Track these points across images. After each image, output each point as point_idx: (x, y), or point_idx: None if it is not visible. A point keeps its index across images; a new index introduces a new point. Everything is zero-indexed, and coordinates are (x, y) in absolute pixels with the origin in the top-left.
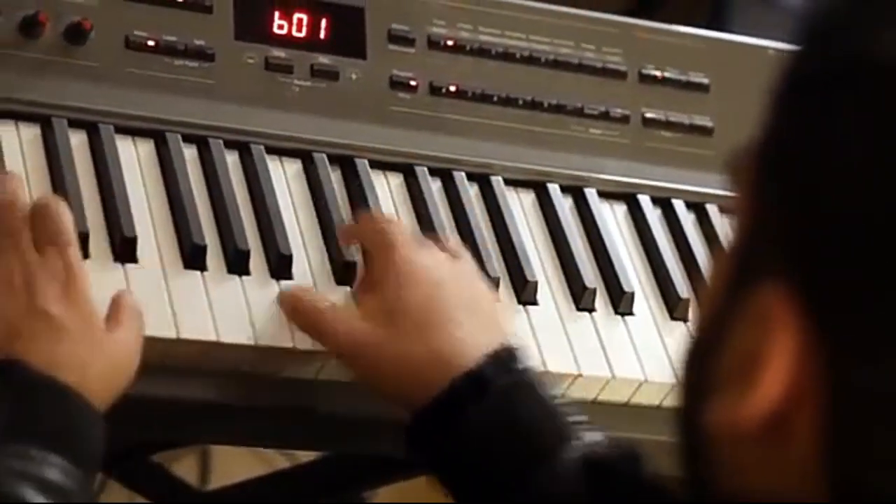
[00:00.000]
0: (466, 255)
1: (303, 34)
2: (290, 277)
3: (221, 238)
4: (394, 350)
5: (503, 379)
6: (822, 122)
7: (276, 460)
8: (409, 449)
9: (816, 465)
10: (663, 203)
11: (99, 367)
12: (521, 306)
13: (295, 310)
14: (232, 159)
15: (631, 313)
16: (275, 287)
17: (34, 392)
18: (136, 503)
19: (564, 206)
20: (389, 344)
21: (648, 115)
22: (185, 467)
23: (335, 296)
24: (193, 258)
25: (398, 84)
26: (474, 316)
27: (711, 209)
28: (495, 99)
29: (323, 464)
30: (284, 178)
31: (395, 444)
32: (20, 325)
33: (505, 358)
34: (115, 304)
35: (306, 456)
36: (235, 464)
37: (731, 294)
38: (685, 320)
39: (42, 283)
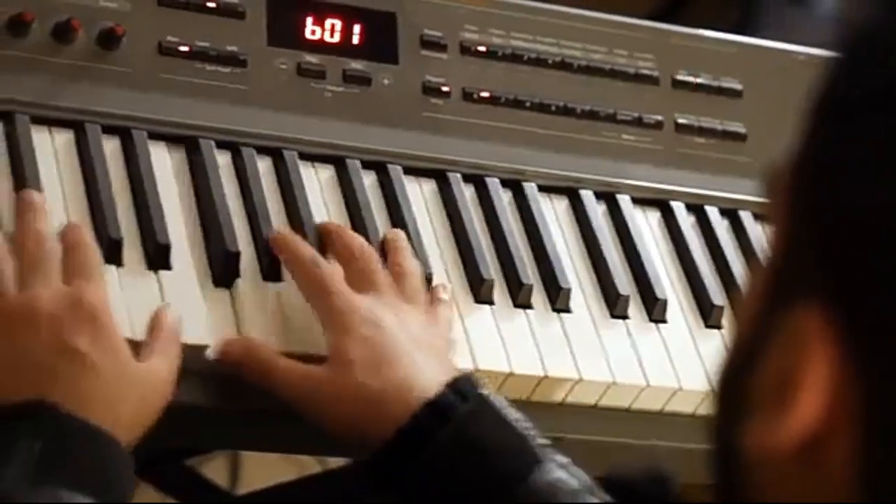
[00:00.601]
0: (421, 306)
1: (335, 40)
2: None
3: (255, 245)
4: (349, 388)
5: (466, 405)
6: (861, 145)
7: (306, 464)
8: (373, 484)
9: (852, 489)
10: (697, 209)
11: (129, 402)
12: (554, 313)
13: (242, 361)
14: (264, 165)
15: (664, 321)
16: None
17: (64, 434)
18: None
19: (598, 212)
20: (344, 382)
21: (681, 120)
22: (214, 470)
23: None
24: (227, 267)
25: (431, 90)
26: (423, 349)
27: (745, 216)
28: (528, 105)
29: (353, 470)
30: (317, 184)
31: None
32: (48, 364)
33: (464, 385)
34: (153, 329)
35: (336, 461)
36: (265, 467)
37: (766, 313)
38: (719, 328)
39: (69, 316)
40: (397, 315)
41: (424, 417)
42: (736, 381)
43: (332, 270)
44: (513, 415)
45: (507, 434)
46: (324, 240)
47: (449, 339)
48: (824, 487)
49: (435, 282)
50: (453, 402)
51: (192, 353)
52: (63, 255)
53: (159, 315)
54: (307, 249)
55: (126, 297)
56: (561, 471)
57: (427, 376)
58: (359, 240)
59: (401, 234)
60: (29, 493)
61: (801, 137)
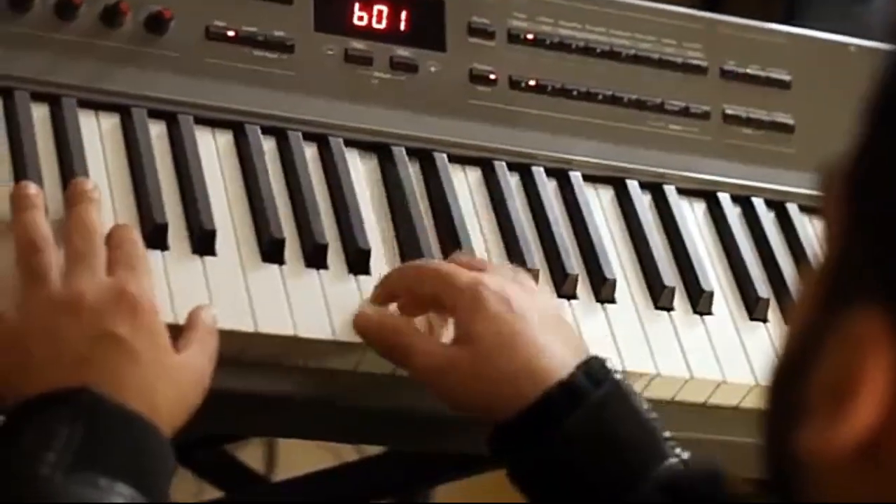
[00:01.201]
0: (523, 272)
1: (383, 26)
2: (368, 272)
3: (300, 231)
4: (479, 367)
5: (598, 390)
6: None
7: (342, 451)
8: (493, 456)
9: None
10: (743, 201)
11: (167, 391)
12: (598, 304)
13: (375, 332)
14: (310, 151)
15: (710, 313)
16: (353, 282)
17: (103, 421)
18: (205, 500)
19: (643, 202)
20: (474, 362)
21: (729, 111)
22: (251, 455)
23: None
24: (271, 251)
25: (478, 77)
26: (553, 330)
27: (792, 208)
28: (575, 94)
29: (390, 457)
30: (363, 172)
31: (463, 441)
32: (88, 350)
33: (597, 369)
34: (189, 322)
35: (373, 448)
36: (301, 453)
37: (822, 315)
38: (764, 321)
39: (111, 306)
40: (522, 287)
41: (556, 398)
42: (790, 384)
43: (434, 262)
44: (642, 404)
45: (637, 425)
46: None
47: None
48: (882, 492)
49: None
50: (586, 385)
51: (234, 339)
52: (109, 249)
53: (197, 310)
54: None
55: (171, 282)
56: (683, 466)
57: (559, 356)
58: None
59: None
60: (66, 478)
61: (856, 136)
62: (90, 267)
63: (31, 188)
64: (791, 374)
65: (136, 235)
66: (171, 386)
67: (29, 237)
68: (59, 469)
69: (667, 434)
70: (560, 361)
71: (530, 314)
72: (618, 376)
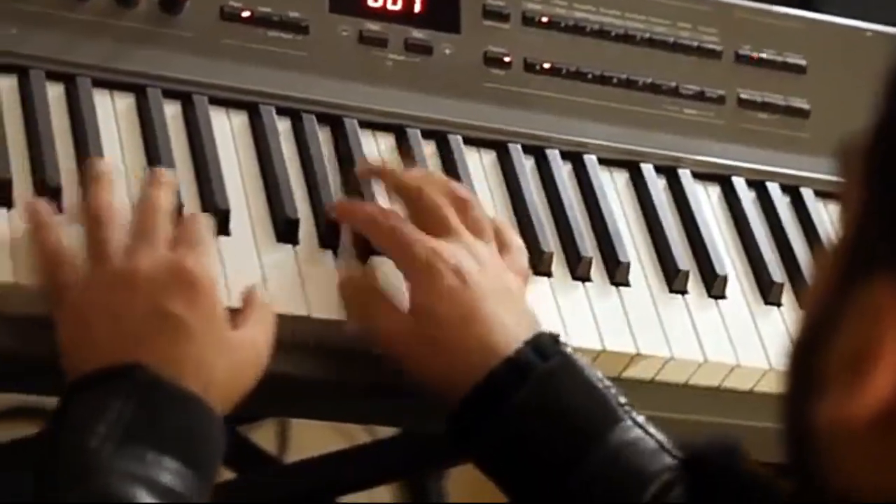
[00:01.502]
0: (489, 236)
1: (397, 7)
2: (380, 253)
3: (314, 212)
4: (432, 343)
5: (545, 364)
6: None
7: (354, 433)
8: (450, 439)
9: None
10: (758, 186)
11: (223, 369)
12: (613, 287)
13: (347, 294)
14: (325, 133)
15: (724, 297)
16: (367, 262)
17: (157, 396)
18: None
19: (658, 186)
20: (428, 338)
21: (744, 96)
22: (263, 438)
23: None
24: (286, 232)
25: (492, 60)
26: (506, 307)
27: (806, 192)
28: (590, 77)
29: (401, 440)
30: (377, 152)
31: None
32: (144, 327)
33: (545, 343)
34: (247, 301)
35: (384, 430)
36: (314, 435)
37: (840, 288)
38: (778, 305)
39: (167, 281)
40: (477, 260)
41: (502, 375)
42: (809, 357)
43: (405, 219)
44: (594, 374)
45: (586, 393)
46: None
47: (521, 282)
48: None
49: None
50: (532, 360)
51: None
52: (174, 227)
53: (254, 289)
54: (373, 206)
55: None
56: (638, 430)
57: (510, 333)
58: (416, 178)
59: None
60: (114, 451)
61: (875, 113)
62: (151, 243)
63: (104, 165)
64: (809, 349)
65: (203, 216)
66: (227, 363)
67: (96, 213)
68: (107, 441)
69: (622, 400)
70: (512, 337)
71: (483, 290)
72: (567, 349)
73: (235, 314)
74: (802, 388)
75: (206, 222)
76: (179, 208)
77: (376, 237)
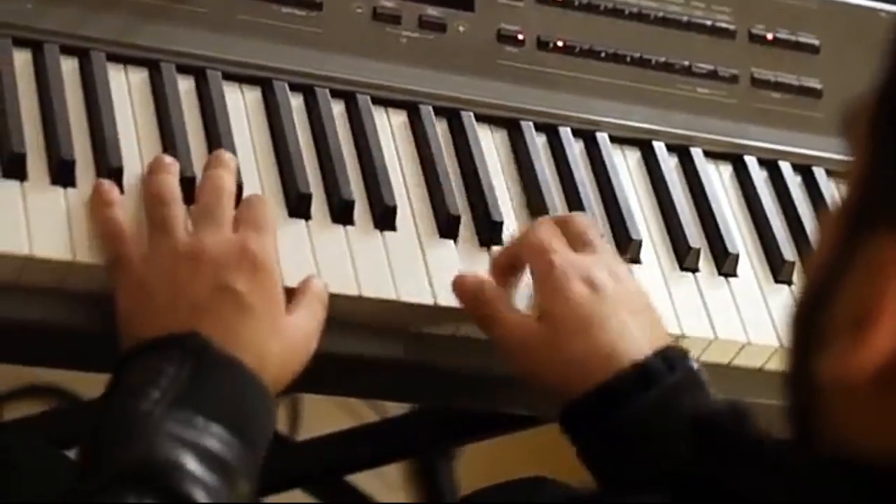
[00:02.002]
0: (620, 261)
1: None
2: (394, 229)
3: (326, 187)
4: (556, 346)
5: (671, 375)
6: None
7: (363, 413)
8: (564, 433)
9: None
10: (770, 165)
11: (277, 349)
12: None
13: (467, 298)
14: (338, 109)
15: (735, 275)
16: (378, 238)
17: (211, 365)
18: None
19: (670, 164)
20: (551, 341)
21: (757, 75)
22: None
23: (439, 249)
24: (298, 206)
25: (505, 38)
26: (636, 316)
27: (818, 172)
28: (603, 55)
29: (412, 418)
30: (390, 129)
31: (488, 400)
32: (205, 299)
33: (673, 356)
34: (301, 288)
35: (394, 410)
36: (325, 414)
37: (843, 246)
38: (789, 283)
39: (231, 260)
40: (613, 276)
41: (628, 378)
42: (812, 316)
43: (551, 233)
44: (715, 395)
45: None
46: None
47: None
48: None
49: None
50: (660, 369)
51: None
52: (238, 210)
53: (310, 276)
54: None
55: None
56: None
57: (637, 344)
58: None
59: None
60: (164, 414)
61: (880, 72)
62: (216, 222)
63: (167, 158)
64: (814, 304)
65: (266, 199)
66: (281, 345)
67: (159, 192)
68: (159, 405)
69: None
70: (637, 347)
71: (612, 299)
72: (694, 365)
73: (289, 299)
74: (805, 344)
75: (269, 205)
76: (239, 188)
77: (523, 250)
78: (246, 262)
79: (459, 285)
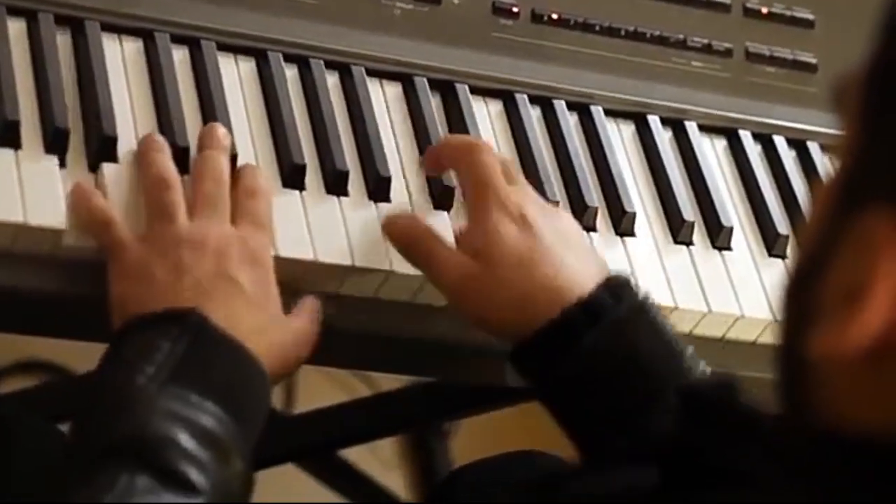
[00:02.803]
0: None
1: None
2: (388, 200)
3: (320, 158)
4: (497, 285)
5: (619, 308)
6: None
7: (356, 387)
8: (517, 372)
9: None
10: (764, 139)
11: (275, 338)
12: (618, 237)
13: (405, 237)
14: (332, 80)
15: (729, 248)
16: (373, 209)
17: (208, 343)
18: None
19: (664, 138)
20: (492, 280)
21: (752, 49)
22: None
23: (433, 220)
24: (292, 177)
25: (500, 10)
26: (574, 251)
27: (813, 147)
28: (597, 28)
29: (405, 392)
30: (384, 100)
31: (483, 373)
32: (207, 284)
33: (619, 287)
34: (305, 302)
35: (387, 384)
36: (320, 389)
37: (834, 221)
38: (783, 257)
39: (234, 253)
40: (543, 210)
41: (575, 315)
42: (804, 290)
43: (493, 156)
44: (665, 322)
45: (658, 340)
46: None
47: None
48: (891, 394)
49: None
50: (607, 302)
51: None
52: (239, 196)
53: (314, 300)
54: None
55: None
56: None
57: (579, 275)
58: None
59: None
60: (160, 390)
61: (872, 46)
62: (218, 213)
63: (158, 137)
64: (805, 279)
65: (269, 189)
66: (279, 338)
67: (159, 175)
68: (153, 382)
69: (690, 351)
70: (580, 280)
71: (550, 234)
72: (640, 292)
73: (291, 305)
74: (797, 319)
75: (269, 199)
76: (234, 158)
77: (465, 169)
78: (247, 256)
79: (390, 225)
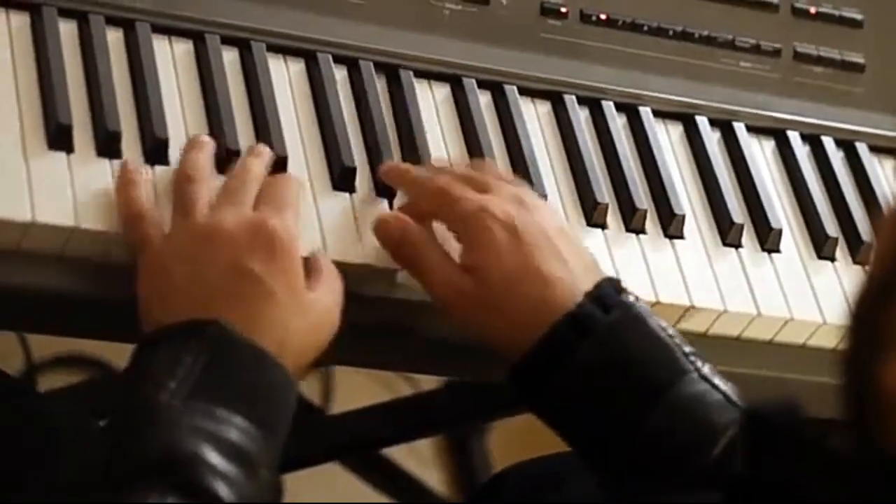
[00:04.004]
0: (526, 189)
1: None
2: None
3: (370, 161)
4: (488, 302)
5: (608, 315)
6: None
7: (398, 385)
8: (516, 395)
9: None
10: (812, 140)
11: (300, 331)
12: (667, 240)
13: (393, 242)
14: (381, 82)
15: (778, 250)
16: None
17: (230, 353)
18: None
19: (713, 139)
20: (483, 296)
21: (800, 49)
22: (307, 388)
23: None
24: (342, 180)
25: (549, 10)
26: (563, 256)
27: (861, 147)
28: (645, 28)
29: (445, 392)
30: (433, 102)
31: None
32: (222, 282)
33: (607, 293)
34: (315, 265)
35: (428, 383)
36: (357, 386)
37: None
38: (832, 259)
39: (247, 239)
40: (526, 206)
41: (564, 330)
42: (873, 314)
43: (453, 179)
44: (657, 323)
45: (650, 345)
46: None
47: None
48: None
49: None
50: (594, 313)
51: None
52: (261, 188)
53: (318, 254)
54: (421, 169)
55: None
56: (704, 383)
57: (568, 285)
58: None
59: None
60: (184, 406)
61: None
62: (237, 202)
63: (205, 137)
64: (874, 304)
65: (292, 178)
66: (303, 323)
67: (186, 170)
68: (177, 397)
69: (687, 349)
70: (570, 290)
71: (537, 241)
72: (629, 298)
73: (307, 278)
74: (867, 345)
75: (295, 185)
76: (283, 161)
77: (424, 199)
78: (262, 240)
79: (382, 227)
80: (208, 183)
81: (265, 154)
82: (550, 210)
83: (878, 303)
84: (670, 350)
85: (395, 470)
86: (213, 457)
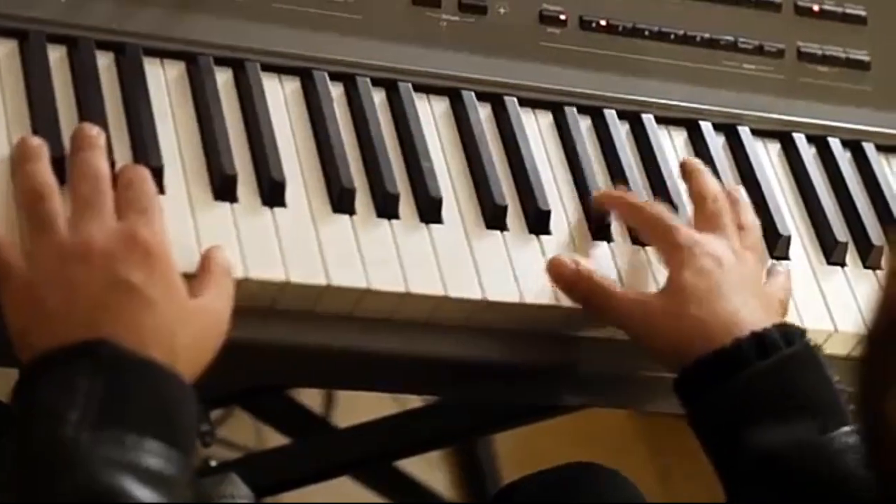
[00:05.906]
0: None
1: None
2: (440, 221)
3: (370, 180)
4: (679, 316)
5: (790, 348)
6: None
7: (402, 397)
8: (679, 399)
9: None
10: (819, 141)
11: (186, 337)
12: None
13: (571, 278)
14: (379, 97)
15: (787, 257)
16: (425, 231)
17: (124, 372)
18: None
19: (717, 144)
20: (675, 311)
21: (804, 49)
22: (310, 398)
23: (486, 240)
24: (342, 202)
25: (547, 18)
26: (756, 295)
27: (868, 147)
28: (646, 33)
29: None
30: (432, 116)
31: (516, 392)
32: (102, 298)
33: (792, 332)
34: (203, 266)
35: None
36: (360, 396)
37: None
38: (842, 265)
39: (122, 252)
40: (736, 255)
41: (746, 346)
42: (888, 346)
43: (664, 209)
44: (831, 371)
45: (822, 385)
46: (684, 176)
47: (780, 299)
48: None
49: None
50: (778, 341)
51: (308, 292)
52: (117, 191)
53: (211, 252)
54: (635, 195)
55: (241, 234)
56: (857, 437)
57: (756, 316)
58: (713, 185)
59: (742, 190)
60: (92, 438)
61: None
62: (98, 213)
63: (34, 140)
64: (885, 340)
65: (146, 173)
66: (189, 330)
67: (32, 186)
68: (83, 429)
69: (851, 406)
70: (756, 319)
71: (736, 275)
72: (811, 343)
73: (192, 282)
74: (881, 373)
75: (149, 178)
76: (112, 164)
77: (641, 222)
78: (138, 251)
79: (557, 266)
80: (58, 196)
81: (98, 138)
82: (756, 262)
83: (888, 341)
84: (837, 396)
85: (402, 474)
86: (135, 487)
